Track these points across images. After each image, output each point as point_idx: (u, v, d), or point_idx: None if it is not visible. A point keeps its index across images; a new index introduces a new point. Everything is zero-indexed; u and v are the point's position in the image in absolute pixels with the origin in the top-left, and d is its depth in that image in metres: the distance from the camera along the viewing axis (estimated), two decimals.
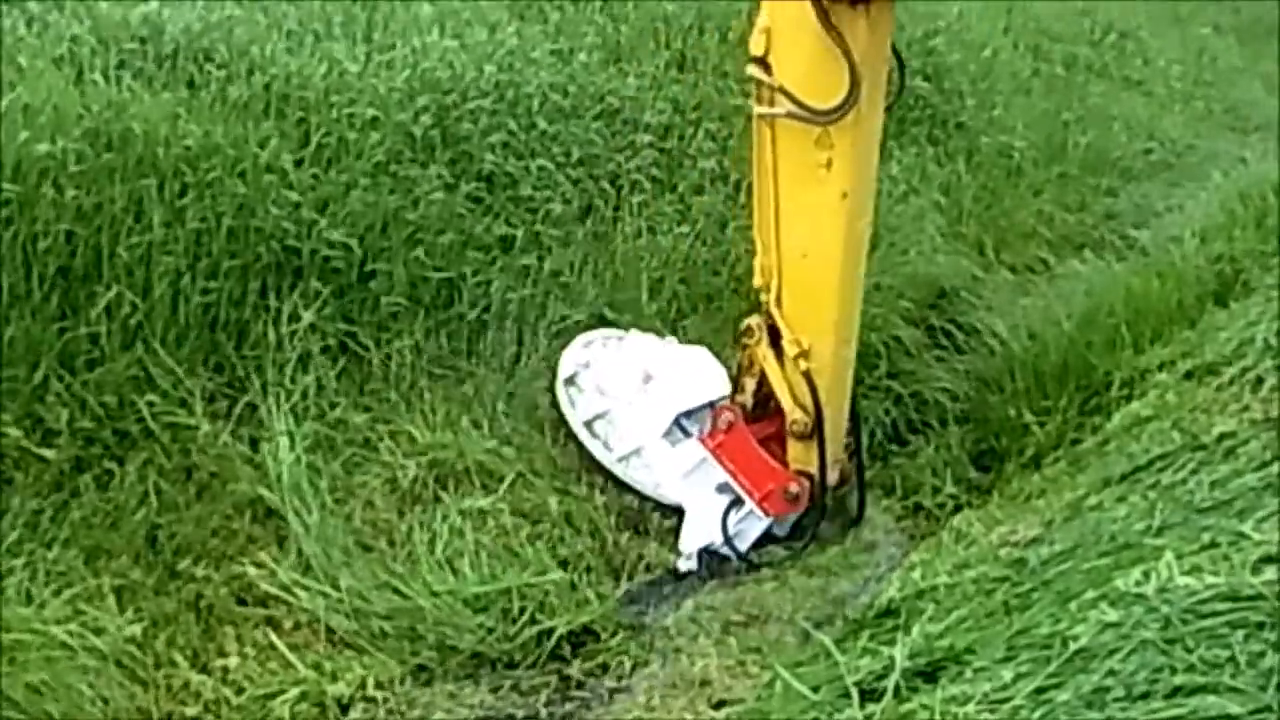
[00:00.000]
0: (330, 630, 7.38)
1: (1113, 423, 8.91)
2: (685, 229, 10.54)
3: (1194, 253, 12.12)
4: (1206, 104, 18.89)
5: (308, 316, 8.35)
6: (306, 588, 7.46)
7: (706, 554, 8.76)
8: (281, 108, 9.05)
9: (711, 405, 9.04)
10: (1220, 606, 5.01)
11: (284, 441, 7.85)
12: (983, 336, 11.07)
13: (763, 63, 8.16)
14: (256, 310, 8.29)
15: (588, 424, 9.12)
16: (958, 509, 9.14)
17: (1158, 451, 7.59)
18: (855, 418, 9.20)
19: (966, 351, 11.00)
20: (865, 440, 9.77)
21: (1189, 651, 4.77)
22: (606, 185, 10.51)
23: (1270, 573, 5.23)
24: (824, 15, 7.81)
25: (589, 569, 8.26)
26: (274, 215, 8.40)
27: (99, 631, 6.78)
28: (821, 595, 8.34)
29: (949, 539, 7.92)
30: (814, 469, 8.77)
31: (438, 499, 8.22)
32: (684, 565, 8.67)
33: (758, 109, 8.32)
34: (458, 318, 9.11)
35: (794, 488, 8.77)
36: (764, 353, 8.69)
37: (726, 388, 9.08)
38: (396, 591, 7.61)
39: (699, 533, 8.81)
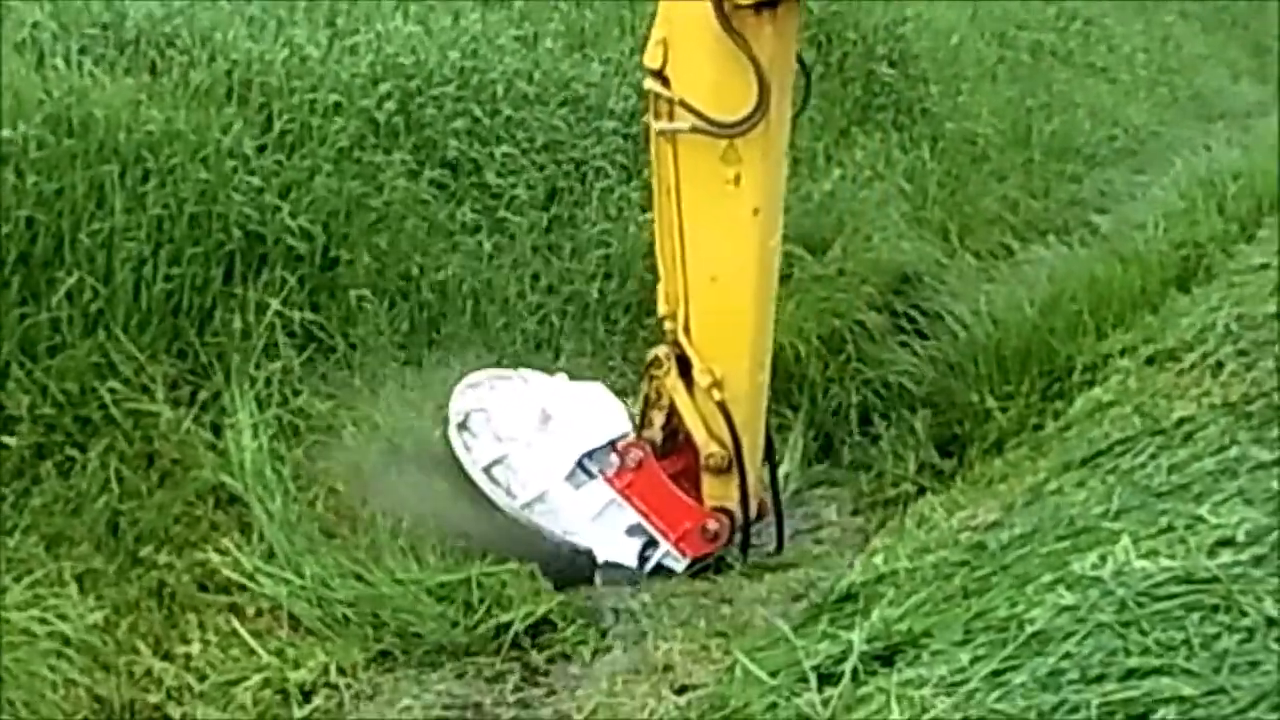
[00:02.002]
0: (293, 617, 7.34)
1: (1074, 408, 8.96)
2: (651, 214, 10.52)
3: (1157, 239, 12.20)
4: (1171, 91, 18.99)
5: (272, 303, 8.32)
6: (269, 575, 7.43)
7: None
8: (244, 93, 9.01)
9: (613, 444, 8.47)
10: (1176, 590, 5.05)
11: (247, 428, 7.82)
12: (946, 322, 11.10)
13: (660, 76, 7.79)
14: (219, 296, 8.24)
15: (486, 470, 8.44)
16: (921, 493, 9.17)
17: (1118, 436, 7.65)
18: (770, 445, 8.77)
19: (930, 337, 11.03)
20: (831, 424, 9.86)
21: (1144, 634, 4.80)
22: (571, 171, 10.50)
23: (1226, 556, 5.28)
24: (726, 21, 7.46)
25: None
26: (237, 201, 8.36)
27: (61, 618, 6.73)
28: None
29: (911, 524, 7.95)
30: (732, 504, 8.35)
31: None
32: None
33: (656, 124, 7.90)
34: (422, 305, 9.08)
35: (712, 525, 8.29)
36: (674, 384, 8.22)
37: (627, 424, 8.58)
38: (359, 578, 7.61)
39: (613, 579, 8.30)
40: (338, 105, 9.24)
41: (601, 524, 8.32)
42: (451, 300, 9.20)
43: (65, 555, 7.05)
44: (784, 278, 9.43)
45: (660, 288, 8.23)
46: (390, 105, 9.52)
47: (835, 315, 10.52)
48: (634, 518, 8.30)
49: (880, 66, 13.57)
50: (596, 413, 8.68)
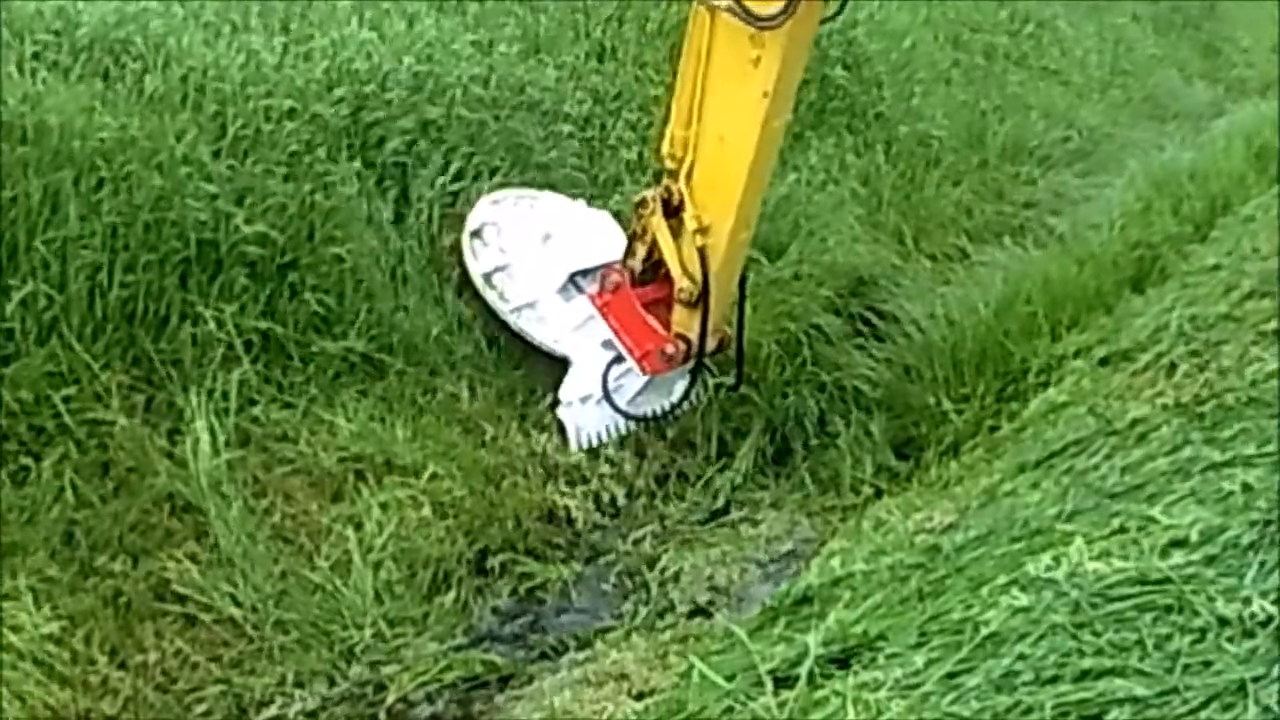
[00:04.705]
0: (250, 625, 7.34)
1: (1029, 409, 9.01)
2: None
3: (1111, 240, 12.23)
4: (1124, 93, 19.02)
5: (228, 310, 8.28)
6: (226, 583, 7.42)
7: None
8: (198, 99, 8.98)
9: (607, 266, 9.43)
10: (1128, 590, 5.09)
11: (203, 436, 7.79)
12: (902, 325, 11.12)
13: None
14: (175, 304, 8.21)
15: (487, 276, 9.60)
16: (878, 495, 9.20)
17: (1072, 437, 7.70)
18: (743, 291, 9.53)
19: (886, 340, 11.05)
20: (788, 425, 9.92)
21: (1097, 635, 4.84)
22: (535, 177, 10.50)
23: (1178, 557, 5.31)
24: None
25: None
26: (192, 208, 8.33)
27: (16, 629, 6.73)
28: None
29: (868, 527, 7.98)
30: (692, 334, 9.19)
31: (358, 493, 8.17)
32: (562, 414, 9.34)
33: None
34: (379, 313, 9.05)
35: (670, 349, 9.21)
36: (658, 223, 9.04)
37: (622, 250, 9.43)
38: (317, 587, 7.60)
39: (581, 383, 9.41)
40: (292, 110, 9.20)
41: (582, 334, 9.49)
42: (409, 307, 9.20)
43: (20, 565, 7.02)
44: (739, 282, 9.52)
45: (668, 130, 8.99)
46: (344, 110, 9.51)
47: (791, 319, 10.54)
48: (609, 333, 9.34)
49: (833, 70, 13.55)
50: (596, 237, 9.90)
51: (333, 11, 10.54)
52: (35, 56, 8.71)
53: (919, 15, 16.48)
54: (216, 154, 8.74)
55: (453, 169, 9.93)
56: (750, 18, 8.27)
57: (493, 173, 10.14)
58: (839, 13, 9.19)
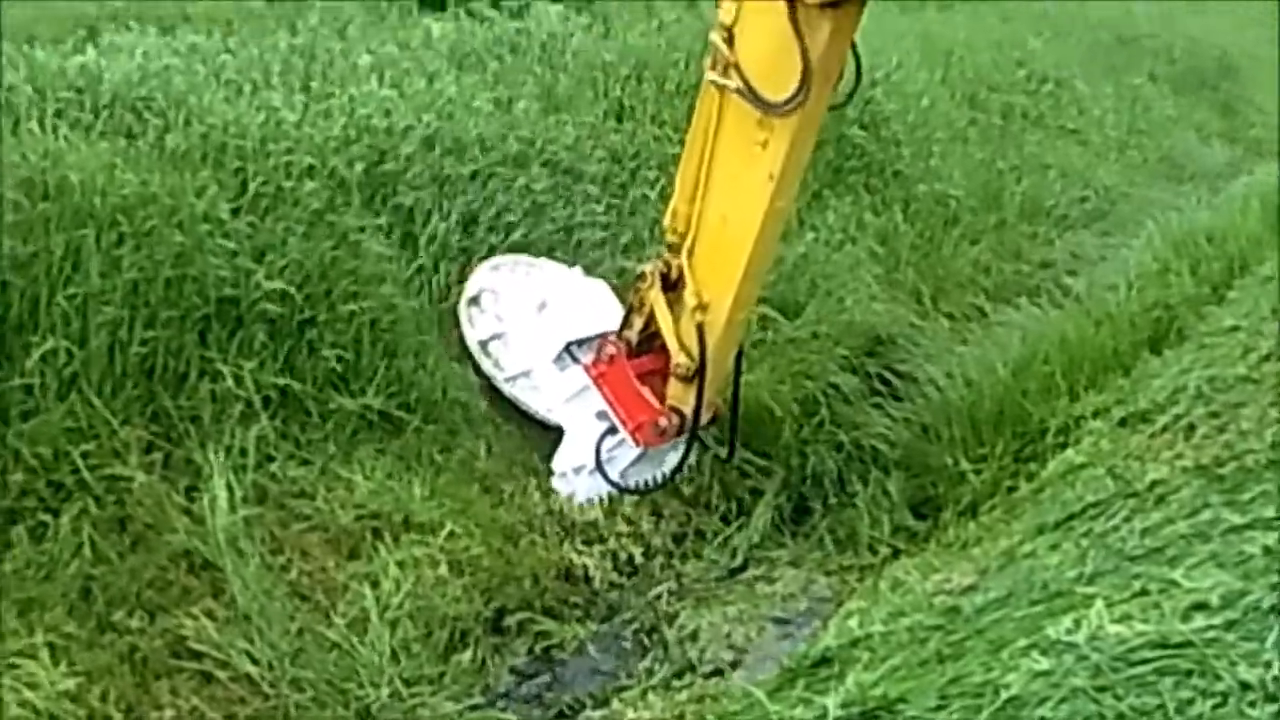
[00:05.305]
0: (266, 683, 7.31)
1: (1048, 470, 8.96)
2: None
3: (1129, 300, 12.20)
4: (1141, 153, 19.08)
5: (247, 366, 8.29)
6: (243, 640, 7.40)
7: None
8: (219, 157, 9.02)
9: (603, 336, 9.51)
10: (1150, 654, 5.07)
11: (221, 493, 7.79)
12: (920, 384, 11.10)
13: (728, 32, 8.35)
14: (194, 360, 8.21)
15: (483, 344, 9.66)
16: (896, 555, 9.17)
17: (1091, 499, 7.65)
18: (739, 366, 9.54)
19: (904, 399, 11.03)
20: (806, 485, 9.94)
21: (1119, 699, 4.81)
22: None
23: (1200, 620, 5.29)
24: (793, 14, 8.00)
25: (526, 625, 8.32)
26: (212, 265, 8.35)
27: (33, 685, 6.68)
28: None
29: (886, 587, 7.94)
30: (687, 408, 9.24)
31: (375, 551, 8.16)
32: (556, 483, 9.27)
33: (710, 74, 8.54)
34: (397, 370, 9.06)
35: (663, 422, 9.29)
36: (655, 296, 9.13)
37: (618, 321, 9.51)
38: (334, 645, 7.58)
39: (574, 453, 9.36)
40: (312, 168, 9.25)
41: (576, 404, 9.48)
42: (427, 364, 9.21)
43: (37, 622, 6.98)
44: (758, 341, 9.54)
45: (671, 204, 9.05)
46: (363, 167, 9.55)
47: (809, 378, 10.53)
48: (603, 404, 9.41)
49: (851, 129, 13.61)
50: (592, 307, 9.87)
51: (353, 69, 10.63)
52: (58, 114, 8.77)
53: (936, 75, 16.60)
54: (237, 211, 8.76)
55: (471, 227, 9.97)
56: (760, 103, 8.32)
57: (511, 231, 10.16)
58: (848, 101, 9.37)
